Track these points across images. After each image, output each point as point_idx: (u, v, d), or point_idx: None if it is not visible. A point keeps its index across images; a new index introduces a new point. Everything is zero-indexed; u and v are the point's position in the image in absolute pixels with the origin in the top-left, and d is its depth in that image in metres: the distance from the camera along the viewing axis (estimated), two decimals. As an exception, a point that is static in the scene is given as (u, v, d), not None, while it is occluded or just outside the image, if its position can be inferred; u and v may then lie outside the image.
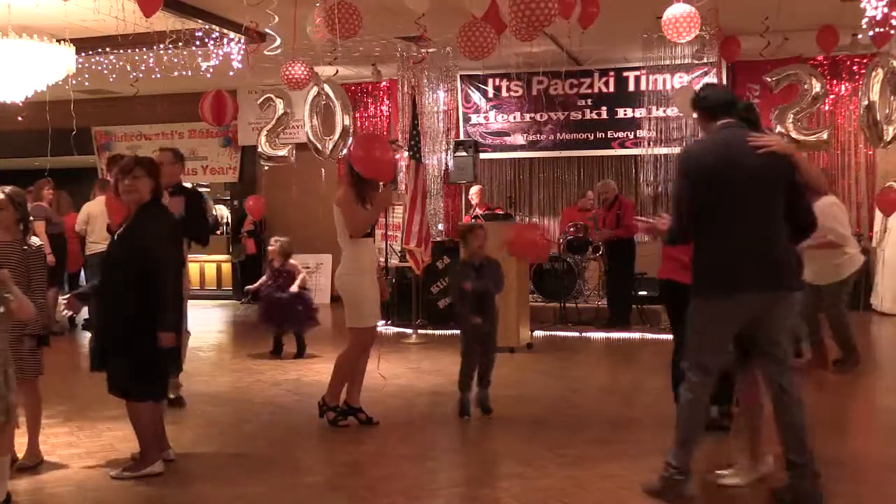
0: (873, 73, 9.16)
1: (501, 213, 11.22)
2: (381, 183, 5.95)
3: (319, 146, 11.08)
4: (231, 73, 10.49)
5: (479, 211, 11.68)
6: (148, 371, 4.74)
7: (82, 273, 11.16)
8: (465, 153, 12.49)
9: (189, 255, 6.27)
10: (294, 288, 8.58)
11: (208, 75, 10.65)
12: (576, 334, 10.21)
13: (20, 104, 8.57)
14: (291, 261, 8.79)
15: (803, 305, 6.78)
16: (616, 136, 13.03)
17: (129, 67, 10.81)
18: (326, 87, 10.78)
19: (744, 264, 4.12)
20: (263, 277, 8.97)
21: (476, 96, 13.62)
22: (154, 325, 4.63)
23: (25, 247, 4.81)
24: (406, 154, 11.87)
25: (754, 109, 4.59)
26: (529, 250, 8.14)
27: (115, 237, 4.87)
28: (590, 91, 13.14)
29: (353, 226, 5.74)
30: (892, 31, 8.54)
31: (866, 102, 9.18)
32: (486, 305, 6.13)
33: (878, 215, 11.81)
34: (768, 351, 4.22)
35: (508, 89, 13.48)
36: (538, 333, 10.00)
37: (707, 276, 4.23)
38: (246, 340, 10.64)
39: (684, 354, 4.36)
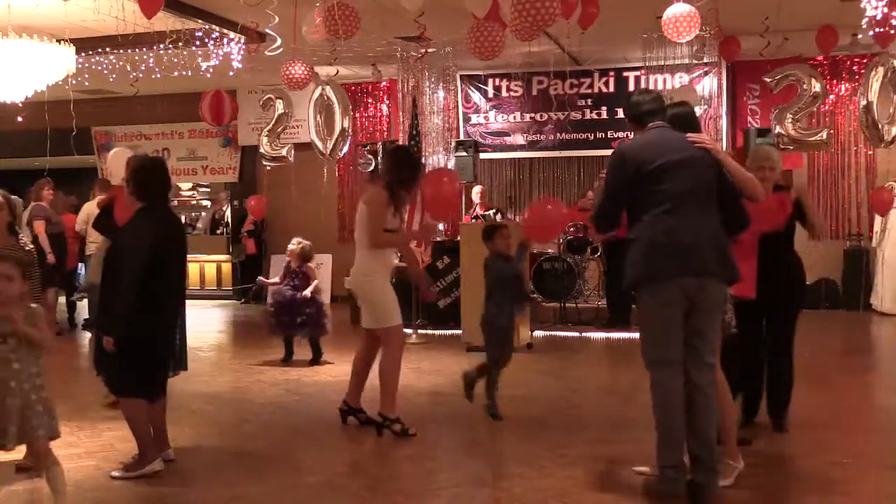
0: (872, 73, 9.16)
1: (493, 211, 11.32)
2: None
3: (322, 146, 11.09)
4: (231, 73, 10.48)
5: (479, 211, 11.69)
6: (138, 369, 4.74)
7: (81, 271, 11.16)
8: (465, 153, 12.48)
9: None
10: (307, 293, 8.34)
11: (208, 75, 10.65)
12: (576, 334, 10.20)
13: (20, 104, 8.56)
14: (309, 264, 8.57)
15: None
16: (616, 136, 13.01)
17: (129, 67, 10.80)
18: (328, 90, 10.79)
19: (677, 251, 4.15)
20: (277, 277, 8.76)
21: (476, 96, 13.62)
22: (149, 324, 4.65)
23: (28, 248, 4.86)
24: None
25: (688, 118, 4.61)
26: (548, 230, 7.16)
27: (116, 238, 4.89)
28: (590, 91, 13.14)
29: (372, 231, 5.53)
30: (894, 31, 8.55)
31: (865, 102, 9.18)
32: (518, 297, 6.18)
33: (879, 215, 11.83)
34: (690, 341, 4.21)
35: (508, 89, 13.48)
36: (538, 333, 10.00)
37: (640, 268, 4.25)
38: (248, 342, 10.65)
39: (642, 354, 4.37)
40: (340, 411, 5.96)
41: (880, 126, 9.15)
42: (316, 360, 8.42)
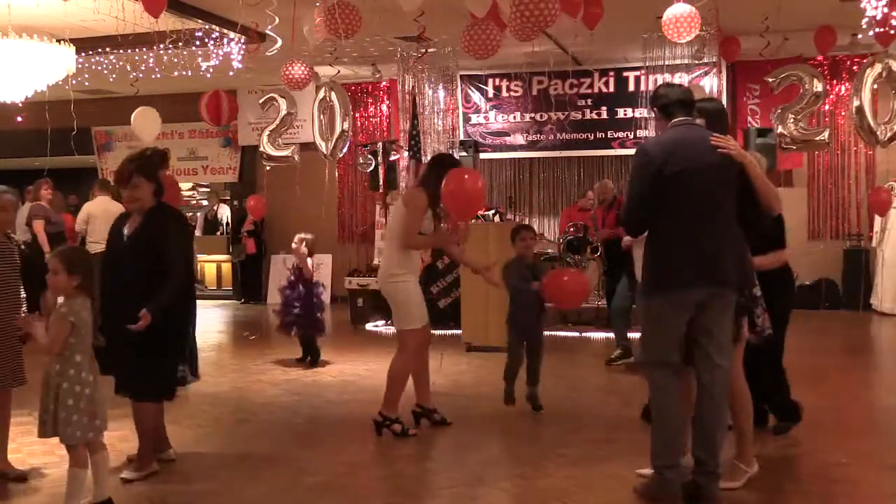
0: (868, 71, 9.15)
1: (492, 212, 11.30)
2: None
3: (324, 146, 11.09)
4: (231, 73, 10.48)
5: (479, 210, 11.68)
6: (153, 372, 4.73)
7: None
8: (465, 153, 12.50)
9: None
10: (292, 276, 8.28)
11: (208, 75, 10.65)
12: (576, 334, 10.20)
13: (20, 104, 8.55)
14: (308, 259, 8.47)
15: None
16: (616, 136, 13.03)
17: (129, 67, 10.79)
18: (332, 94, 10.80)
19: (693, 260, 4.12)
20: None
21: (476, 96, 13.62)
22: (160, 326, 4.59)
23: (23, 245, 4.88)
24: (406, 154, 11.90)
25: (716, 114, 4.55)
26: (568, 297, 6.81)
27: (125, 238, 4.81)
28: (590, 91, 13.14)
29: (408, 232, 5.52)
30: (893, 31, 8.54)
31: (857, 103, 9.16)
32: (539, 305, 6.25)
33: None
34: (700, 341, 4.20)
35: (508, 89, 13.47)
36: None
37: (658, 272, 4.23)
38: (248, 342, 10.65)
39: (642, 354, 4.35)
40: (413, 413, 5.85)
41: (875, 126, 9.14)
42: (314, 361, 8.39)
